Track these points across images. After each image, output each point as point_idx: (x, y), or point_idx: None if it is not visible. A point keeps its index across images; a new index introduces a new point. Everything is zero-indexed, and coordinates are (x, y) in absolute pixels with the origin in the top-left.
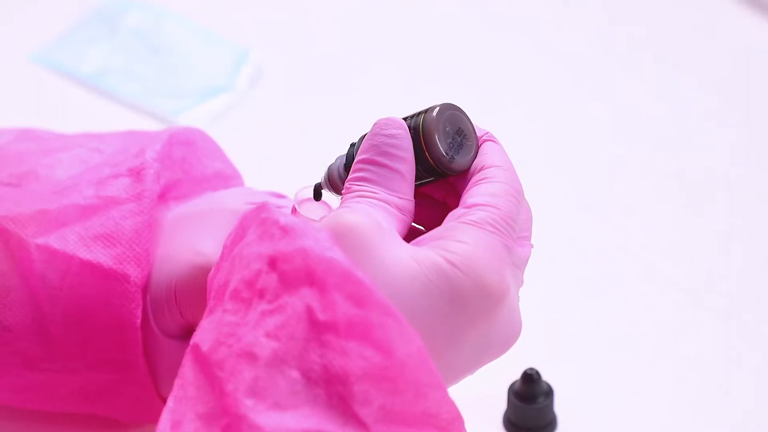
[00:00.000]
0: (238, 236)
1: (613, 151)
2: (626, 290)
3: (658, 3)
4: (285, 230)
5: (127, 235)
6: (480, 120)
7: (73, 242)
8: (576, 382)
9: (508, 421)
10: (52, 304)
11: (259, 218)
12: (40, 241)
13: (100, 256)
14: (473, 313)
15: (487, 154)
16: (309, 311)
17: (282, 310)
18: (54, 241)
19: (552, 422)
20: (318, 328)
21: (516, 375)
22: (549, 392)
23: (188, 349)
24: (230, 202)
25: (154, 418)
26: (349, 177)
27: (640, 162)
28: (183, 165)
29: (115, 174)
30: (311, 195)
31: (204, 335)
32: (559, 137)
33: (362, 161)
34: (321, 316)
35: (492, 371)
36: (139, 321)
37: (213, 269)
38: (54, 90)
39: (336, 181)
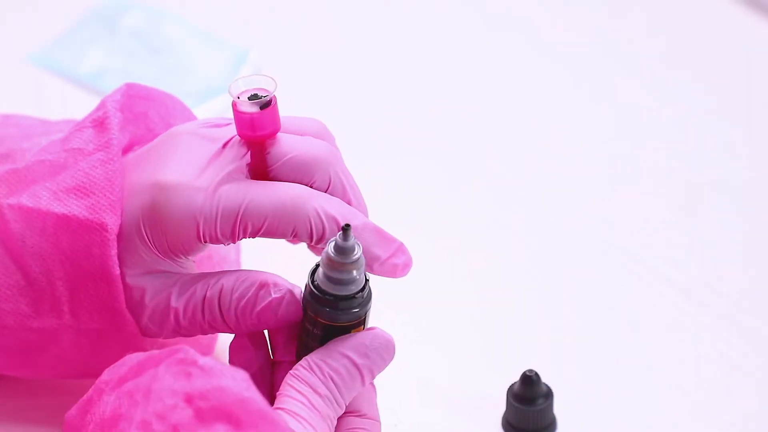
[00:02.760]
0: (131, 373)
1: (613, 151)
2: (626, 291)
3: (658, 3)
4: (204, 370)
5: (99, 184)
6: (480, 120)
7: (46, 198)
8: (575, 383)
9: (507, 423)
10: (33, 262)
11: (176, 358)
12: (13, 201)
13: (75, 208)
14: None
15: (365, 400)
16: None
17: None
18: (26, 199)
19: (551, 424)
20: None
21: (515, 376)
22: (548, 394)
23: None
24: (184, 127)
25: None
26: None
27: (640, 162)
28: (146, 122)
29: (79, 127)
30: (246, 88)
31: None
32: (558, 137)
33: (349, 359)
34: None
35: (491, 373)
36: (118, 267)
37: (75, 407)
38: (53, 90)
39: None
